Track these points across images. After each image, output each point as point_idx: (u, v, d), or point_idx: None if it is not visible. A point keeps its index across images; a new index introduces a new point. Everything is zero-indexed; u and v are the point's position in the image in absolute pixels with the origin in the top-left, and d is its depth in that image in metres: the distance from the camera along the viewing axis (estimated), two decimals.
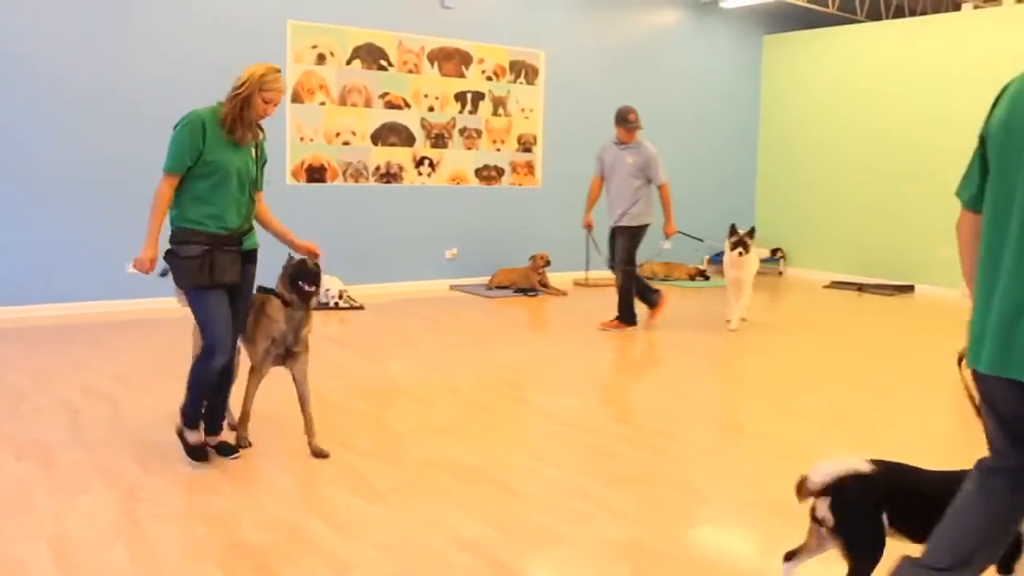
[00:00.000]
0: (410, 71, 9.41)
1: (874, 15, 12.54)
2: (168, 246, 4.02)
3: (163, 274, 4.07)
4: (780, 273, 12.29)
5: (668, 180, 7.69)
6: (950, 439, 4.91)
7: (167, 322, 7.27)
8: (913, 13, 12.54)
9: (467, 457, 4.33)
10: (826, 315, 9.11)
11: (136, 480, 3.91)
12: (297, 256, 4.27)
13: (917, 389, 6.02)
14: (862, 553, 2.65)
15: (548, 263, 9.86)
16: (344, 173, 9.12)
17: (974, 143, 2.44)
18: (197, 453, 4.16)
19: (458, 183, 9.88)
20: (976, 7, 11.19)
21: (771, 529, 3.57)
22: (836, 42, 11.81)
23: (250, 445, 4.37)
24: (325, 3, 8.83)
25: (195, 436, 4.19)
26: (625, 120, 7.62)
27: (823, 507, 2.71)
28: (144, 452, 4.26)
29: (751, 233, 7.85)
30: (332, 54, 8.89)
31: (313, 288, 4.20)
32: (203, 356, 4.05)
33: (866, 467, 2.71)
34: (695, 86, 11.96)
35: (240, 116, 3.97)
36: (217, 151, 3.97)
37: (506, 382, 5.90)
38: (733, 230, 7.86)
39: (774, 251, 12.34)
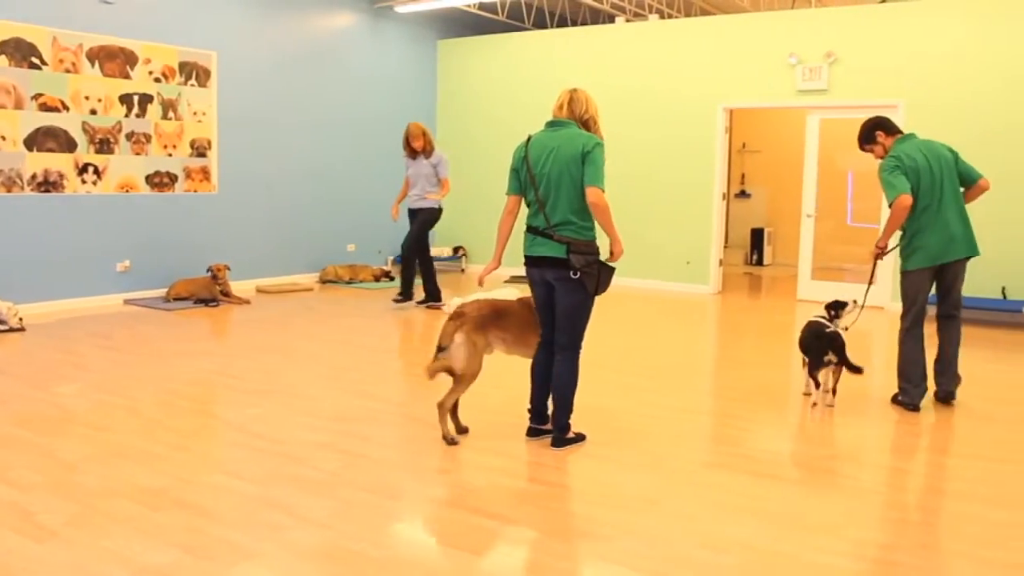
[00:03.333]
0: (67, 70, 8.71)
1: (540, 24, 13.32)
2: (582, 256, 4.56)
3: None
4: (463, 270, 12.75)
5: None
6: (613, 409, 5.36)
7: None
8: (575, 23, 13.45)
9: (151, 480, 4.12)
10: None
11: None
12: None
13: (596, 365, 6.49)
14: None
15: (226, 270, 9.48)
16: None
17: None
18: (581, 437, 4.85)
19: (128, 191, 9.29)
20: (628, 20, 12.21)
21: (461, 522, 3.72)
22: (505, 49, 12.42)
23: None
24: None
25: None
26: None
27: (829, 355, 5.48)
28: None
29: None
30: None
31: None
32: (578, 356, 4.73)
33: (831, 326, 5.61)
34: (372, 89, 12.08)
35: None
36: None
37: (190, 397, 5.66)
38: None
39: (456, 249, 12.78)
